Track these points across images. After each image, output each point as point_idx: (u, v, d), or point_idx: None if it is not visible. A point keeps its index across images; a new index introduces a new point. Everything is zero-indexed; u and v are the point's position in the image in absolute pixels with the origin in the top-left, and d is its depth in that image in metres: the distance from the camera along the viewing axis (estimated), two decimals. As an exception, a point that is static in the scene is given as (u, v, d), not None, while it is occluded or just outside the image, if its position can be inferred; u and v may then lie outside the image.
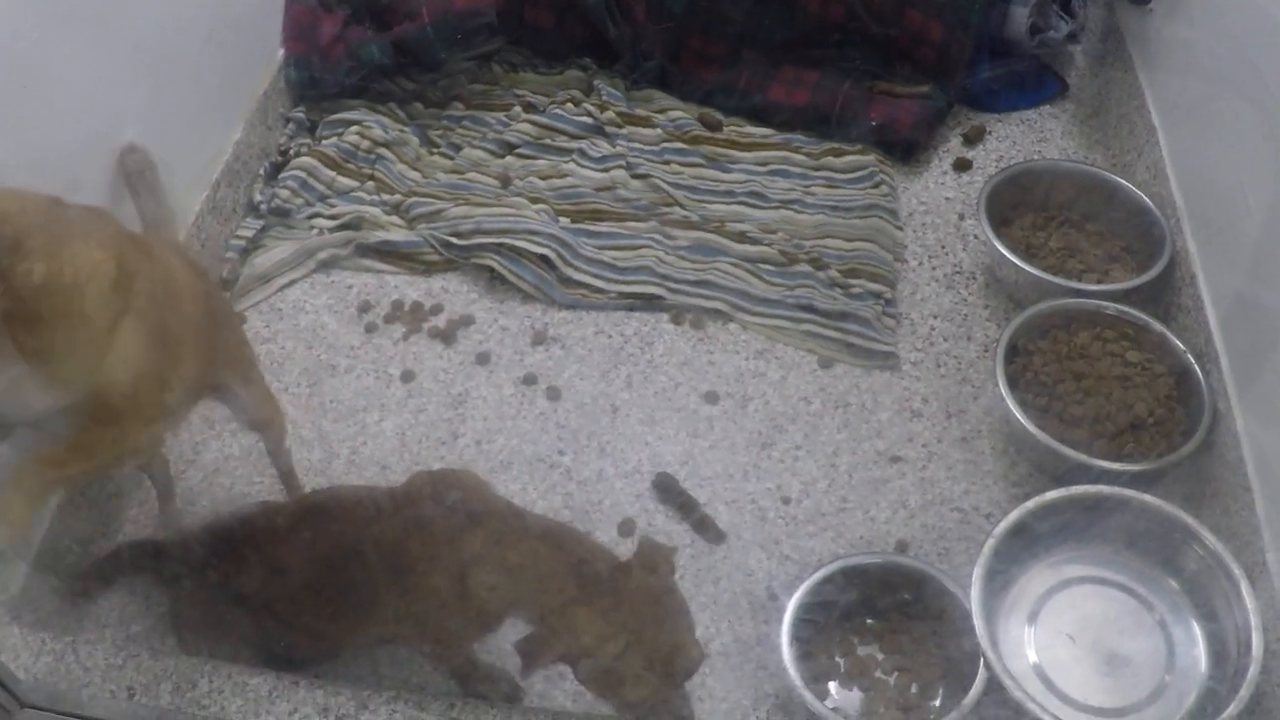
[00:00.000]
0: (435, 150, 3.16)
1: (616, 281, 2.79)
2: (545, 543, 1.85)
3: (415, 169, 3.09)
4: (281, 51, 3.16)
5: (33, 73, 2.17)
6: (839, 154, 3.07)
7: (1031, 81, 3.27)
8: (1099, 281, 2.65)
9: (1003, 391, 2.37)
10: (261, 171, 3.04)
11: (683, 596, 1.87)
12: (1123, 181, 2.77)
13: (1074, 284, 2.60)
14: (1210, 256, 2.50)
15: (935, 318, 2.74)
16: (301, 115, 3.17)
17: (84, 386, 1.66)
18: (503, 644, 1.99)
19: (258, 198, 2.97)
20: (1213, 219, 2.51)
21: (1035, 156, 3.09)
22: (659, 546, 1.91)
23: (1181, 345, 2.43)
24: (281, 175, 3.01)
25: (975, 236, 2.89)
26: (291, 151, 3.08)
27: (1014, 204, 2.82)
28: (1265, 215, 2.23)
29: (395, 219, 2.96)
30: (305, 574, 1.97)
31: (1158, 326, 2.47)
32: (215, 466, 2.49)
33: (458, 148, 3.13)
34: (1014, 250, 2.66)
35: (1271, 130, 2.23)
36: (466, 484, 1.99)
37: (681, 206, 2.95)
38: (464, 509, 1.90)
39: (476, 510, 1.90)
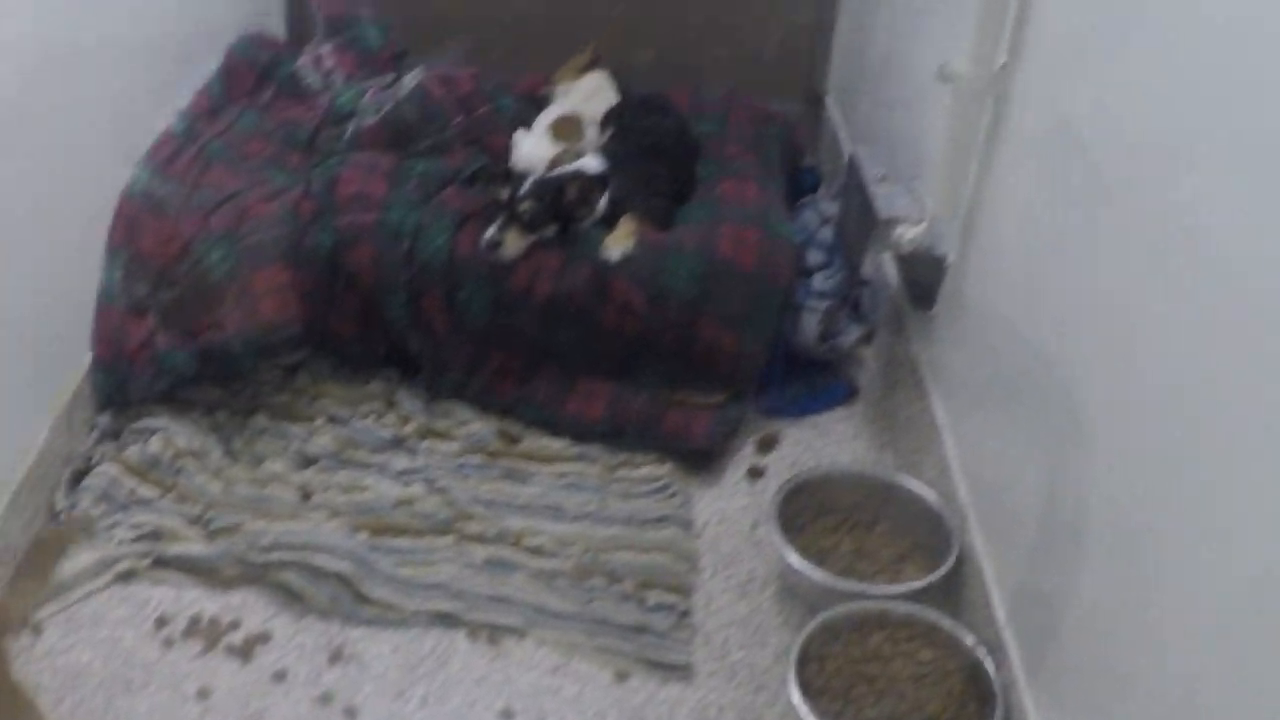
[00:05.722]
0: (238, 461, 3.14)
1: (413, 598, 2.77)
2: None
3: (217, 479, 3.07)
4: (90, 355, 3.16)
5: None
6: (634, 466, 3.12)
7: (822, 386, 3.36)
8: (890, 581, 2.67)
9: (794, 700, 2.36)
10: (64, 478, 3.01)
11: None
12: (908, 482, 2.83)
13: (863, 587, 2.62)
14: (995, 550, 2.54)
15: (730, 626, 2.75)
16: (107, 421, 3.16)
17: None
18: None
19: (59, 505, 2.94)
20: (996, 514, 2.57)
21: (826, 460, 3.16)
22: None
23: (970, 640, 2.45)
24: (83, 483, 2.99)
25: (769, 543, 2.90)
26: (94, 459, 3.06)
27: (805, 509, 2.85)
28: (1040, 509, 2.29)
29: (195, 531, 2.93)
30: None
31: (948, 623, 2.48)
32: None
33: (260, 459, 3.14)
34: (808, 555, 2.68)
35: (1034, 430, 2.32)
36: None
37: (478, 522, 2.95)
38: None
39: None
